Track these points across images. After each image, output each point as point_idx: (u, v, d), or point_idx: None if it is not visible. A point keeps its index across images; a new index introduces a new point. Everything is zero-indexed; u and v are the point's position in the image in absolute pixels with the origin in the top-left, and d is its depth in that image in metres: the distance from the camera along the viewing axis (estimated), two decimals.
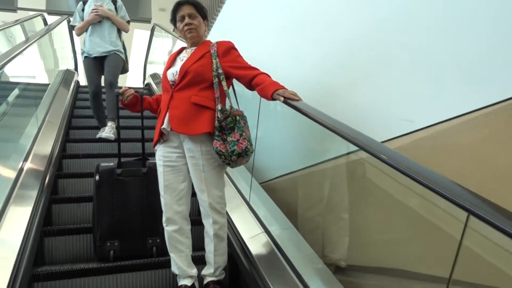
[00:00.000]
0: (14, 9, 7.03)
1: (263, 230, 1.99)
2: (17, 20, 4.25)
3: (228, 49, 1.79)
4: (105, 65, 3.22)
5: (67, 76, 4.61)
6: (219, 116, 1.65)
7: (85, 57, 3.25)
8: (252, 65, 1.80)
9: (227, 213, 1.87)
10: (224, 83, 1.74)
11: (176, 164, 1.74)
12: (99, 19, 3.19)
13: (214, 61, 1.75)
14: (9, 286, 1.42)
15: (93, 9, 3.16)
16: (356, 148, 1.45)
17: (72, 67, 5.46)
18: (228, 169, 2.08)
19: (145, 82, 5.88)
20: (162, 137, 1.76)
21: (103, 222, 1.96)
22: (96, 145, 3.23)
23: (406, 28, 1.71)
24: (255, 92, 1.76)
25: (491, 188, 1.25)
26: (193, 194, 1.79)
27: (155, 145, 1.79)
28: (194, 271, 1.77)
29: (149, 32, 6.54)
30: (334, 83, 2.15)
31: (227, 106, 1.71)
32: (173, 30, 5.58)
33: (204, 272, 1.79)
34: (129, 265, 1.86)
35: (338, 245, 1.90)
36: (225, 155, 1.63)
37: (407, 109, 1.65)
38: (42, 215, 1.99)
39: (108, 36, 3.22)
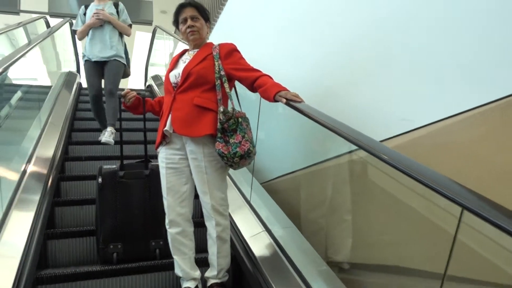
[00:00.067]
0: (17, 12, 7.05)
1: (264, 229, 2.00)
2: (19, 23, 4.26)
3: (230, 51, 1.79)
4: (105, 72, 3.21)
5: (69, 78, 4.62)
6: (221, 118, 1.65)
7: (86, 60, 3.24)
8: (253, 66, 1.80)
9: (229, 214, 1.87)
10: (226, 85, 1.74)
11: (179, 166, 1.74)
12: (100, 24, 3.19)
13: (216, 63, 1.75)
14: None
15: (94, 13, 3.15)
16: (355, 147, 1.47)
17: (74, 69, 5.47)
18: (230, 170, 2.07)
19: (147, 84, 5.89)
20: (165, 139, 1.76)
21: (106, 224, 1.96)
22: (98, 147, 3.24)
23: (406, 28, 1.71)
24: (255, 93, 1.76)
25: (488, 186, 1.26)
26: (196, 196, 1.79)
27: (157, 147, 1.79)
28: (197, 273, 1.76)
29: (150, 34, 6.55)
30: (335, 83, 2.15)
31: (229, 108, 1.71)
32: (175, 32, 5.60)
33: (207, 274, 1.78)
34: (133, 267, 1.86)
35: (340, 245, 1.90)
36: (228, 157, 1.63)
37: (406, 109, 1.66)
38: (45, 217, 1.99)
39: (109, 40, 3.21)
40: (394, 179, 1.38)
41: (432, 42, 1.56)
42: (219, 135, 1.65)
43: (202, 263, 1.85)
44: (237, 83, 1.86)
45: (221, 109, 1.67)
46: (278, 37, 2.95)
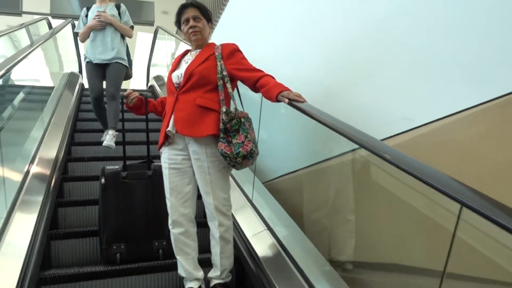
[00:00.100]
0: (19, 13, 7.07)
1: (266, 228, 2.00)
2: (22, 24, 4.27)
3: (232, 51, 1.79)
4: (107, 74, 3.19)
5: (72, 79, 4.64)
6: (224, 118, 1.65)
7: (87, 62, 3.23)
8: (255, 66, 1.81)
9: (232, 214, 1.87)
10: (228, 85, 1.74)
11: (182, 166, 1.74)
12: (102, 26, 3.16)
13: (218, 63, 1.75)
14: None
15: (96, 15, 3.14)
16: (356, 146, 1.49)
17: (76, 70, 5.49)
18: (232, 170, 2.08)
19: (149, 84, 5.90)
20: (167, 140, 1.76)
21: (109, 225, 1.96)
22: (101, 148, 3.23)
23: (406, 28, 1.72)
24: (255, 93, 1.76)
25: (488, 184, 1.27)
26: (199, 197, 1.79)
27: (160, 147, 1.80)
28: (200, 273, 1.77)
29: (152, 35, 6.56)
30: (336, 83, 2.17)
31: (232, 108, 1.71)
32: (176, 33, 5.61)
33: (210, 274, 1.78)
34: (136, 268, 1.86)
35: (342, 243, 1.90)
36: (230, 157, 1.63)
37: (407, 107, 1.67)
38: (48, 218, 1.99)
39: (110, 42, 3.19)
40: (395, 177, 1.39)
41: (432, 42, 1.57)
42: (221, 135, 1.65)
43: (205, 263, 1.85)
44: (239, 83, 1.86)
45: (224, 109, 1.67)
46: (279, 37, 2.96)
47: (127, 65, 3.32)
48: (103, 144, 2.98)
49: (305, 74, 2.44)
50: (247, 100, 1.90)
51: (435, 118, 1.50)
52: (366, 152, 1.41)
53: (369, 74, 1.91)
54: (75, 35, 3.54)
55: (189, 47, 1.93)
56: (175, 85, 1.77)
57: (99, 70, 3.20)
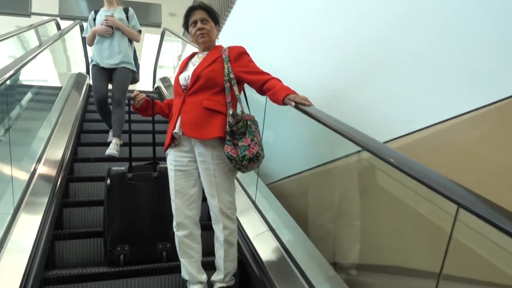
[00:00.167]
0: (28, 14, 7.15)
1: (268, 228, 2.02)
2: (31, 25, 4.32)
3: (239, 54, 1.79)
4: (114, 79, 3.14)
5: (79, 79, 4.67)
6: (230, 121, 1.65)
7: (94, 65, 3.18)
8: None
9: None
10: (235, 88, 1.73)
11: (187, 168, 1.74)
12: (107, 33, 3.10)
13: (225, 66, 1.75)
14: None
15: (104, 20, 3.09)
16: (359, 148, 1.51)
17: (84, 71, 5.53)
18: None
19: (155, 85, 5.93)
20: (174, 142, 1.76)
21: (113, 226, 1.96)
22: (107, 149, 3.25)
23: (409, 32, 1.74)
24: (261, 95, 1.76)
25: (489, 186, 1.29)
26: (203, 199, 1.78)
27: (166, 149, 1.79)
28: (204, 277, 1.76)
29: (159, 37, 6.60)
30: (341, 86, 2.18)
31: (238, 111, 1.70)
32: (183, 34, 5.63)
33: (213, 278, 1.77)
34: (139, 270, 1.85)
35: (345, 246, 1.91)
36: (236, 160, 1.62)
37: (409, 110, 1.70)
38: (53, 218, 2.00)
39: (118, 46, 3.14)
40: (397, 180, 1.40)
41: (434, 46, 1.59)
42: (228, 137, 1.65)
43: (208, 266, 1.84)
44: (246, 86, 1.86)
45: (230, 111, 1.66)
46: (285, 41, 2.97)
47: (134, 69, 3.27)
48: (106, 153, 2.91)
49: (311, 78, 2.45)
50: (251, 102, 1.90)
51: (437, 121, 1.52)
52: (368, 155, 1.43)
53: (372, 78, 1.93)
54: (83, 38, 3.47)
55: (196, 50, 1.93)
56: (182, 87, 1.77)
57: (105, 73, 3.16)
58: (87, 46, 3.48)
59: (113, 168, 2.05)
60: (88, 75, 5.28)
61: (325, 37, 2.39)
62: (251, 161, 1.62)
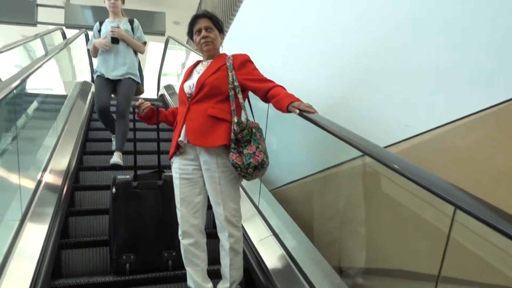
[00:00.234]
0: (34, 23, 7.23)
1: (271, 233, 2.03)
2: (36, 34, 4.37)
3: (244, 62, 1.80)
4: (118, 90, 3.11)
5: (84, 87, 4.71)
6: (235, 129, 1.65)
7: (98, 75, 3.14)
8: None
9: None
10: (240, 96, 1.74)
11: (192, 176, 1.74)
12: (106, 47, 3.06)
13: (230, 73, 1.75)
14: None
15: (111, 31, 3.06)
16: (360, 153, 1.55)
17: (89, 79, 5.57)
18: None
19: (159, 93, 5.96)
20: (179, 150, 1.76)
21: (119, 235, 1.96)
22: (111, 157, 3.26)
23: (409, 42, 1.78)
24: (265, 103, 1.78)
25: (488, 188, 1.33)
26: (208, 207, 1.78)
27: (171, 157, 1.80)
28: (209, 285, 1.75)
29: (163, 45, 6.64)
30: (343, 93, 2.21)
31: (243, 119, 1.71)
32: (187, 42, 5.68)
33: (219, 286, 1.76)
34: (145, 278, 1.85)
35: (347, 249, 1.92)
36: (241, 167, 1.62)
37: (409, 115, 1.74)
38: (60, 227, 2.00)
39: (123, 58, 3.12)
40: (401, 185, 1.42)
41: (434, 55, 1.62)
42: (232, 145, 1.65)
43: (214, 275, 1.84)
44: (250, 94, 1.86)
45: (235, 119, 1.67)
46: (288, 47, 2.98)
47: (139, 81, 3.24)
48: (111, 162, 2.87)
49: (315, 85, 2.47)
50: (253, 108, 1.91)
51: (435, 125, 1.55)
52: (369, 159, 1.47)
53: (374, 85, 1.96)
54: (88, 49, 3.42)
55: (200, 58, 1.94)
56: (187, 95, 1.78)
57: (109, 84, 3.12)
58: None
59: (119, 177, 2.05)
60: (93, 83, 5.33)
61: (327, 44, 2.41)
62: (256, 168, 1.62)
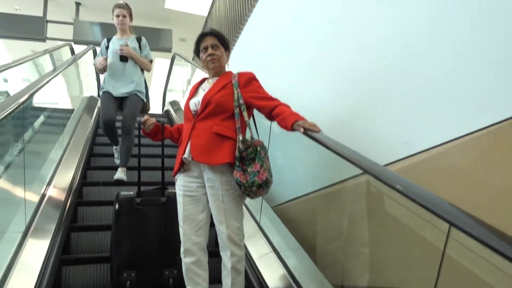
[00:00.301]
0: (43, 39, 7.38)
1: (272, 250, 2.04)
2: (46, 50, 4.45)
3: (249, 80, 1.81)
4: (124, 106, 3.10)
5: (91, 102, 4.75)
6: (240, 147, 1.65)
7: (104, 92, 3.13)
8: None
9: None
10: (245, 114, 1.74)
11: (196, 194, 1.73)
12: (101, 71, 3.09)
13: (235, 91, 1.76)
14: None
15: (120, 49, 3.08)
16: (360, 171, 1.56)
17: (95, 94, 5.63)
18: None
19: (165, 109, 6.00)
20: (183, 167, 1.76)
21: (120, 252, 1.94)
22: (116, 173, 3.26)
23: (410, 64, 1.82)
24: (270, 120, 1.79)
25: (486, 208, 1.35)
26: (211, 225, 1.76)
27: (175, 174, 1.79)
28: None
29: (169, 61, 6.73)
30: (347, 113, 2.24)
31: (248, 136, 1.71)
32: (193, 59, 5.75)
33: None
34: None
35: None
36: (245, 186, 1.61)
37: (409, 134, 1.78)
38: (61, 243, 1.99)
39: (130, 76, 3.13)
40: (400, 203, 1.44)
41: (433, 75, 1.67)
42: (237, 163, 1.64)
43: None
44: (255, 112, 1.87)
45: (240, 137, 1.67)
46: (293, 66, 3.01)
47: (145, 99, 3.24)
48: (114, 178, 2.87)
49: (320, 105, 2.49)
50: (257, 125, 1.93)
51: (435, 144, 1.59)
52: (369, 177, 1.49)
53: (377, 104, 2.00)
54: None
55: (205, 74, 1.95)
56: (193, 112, 1.78)
57: (116, 100, 3.11)
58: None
59: (122, 193, 2.04)
60: (99, 98, 5.38)
61: (334, 64, 2.44)
62: (260, 187, 1.61)
